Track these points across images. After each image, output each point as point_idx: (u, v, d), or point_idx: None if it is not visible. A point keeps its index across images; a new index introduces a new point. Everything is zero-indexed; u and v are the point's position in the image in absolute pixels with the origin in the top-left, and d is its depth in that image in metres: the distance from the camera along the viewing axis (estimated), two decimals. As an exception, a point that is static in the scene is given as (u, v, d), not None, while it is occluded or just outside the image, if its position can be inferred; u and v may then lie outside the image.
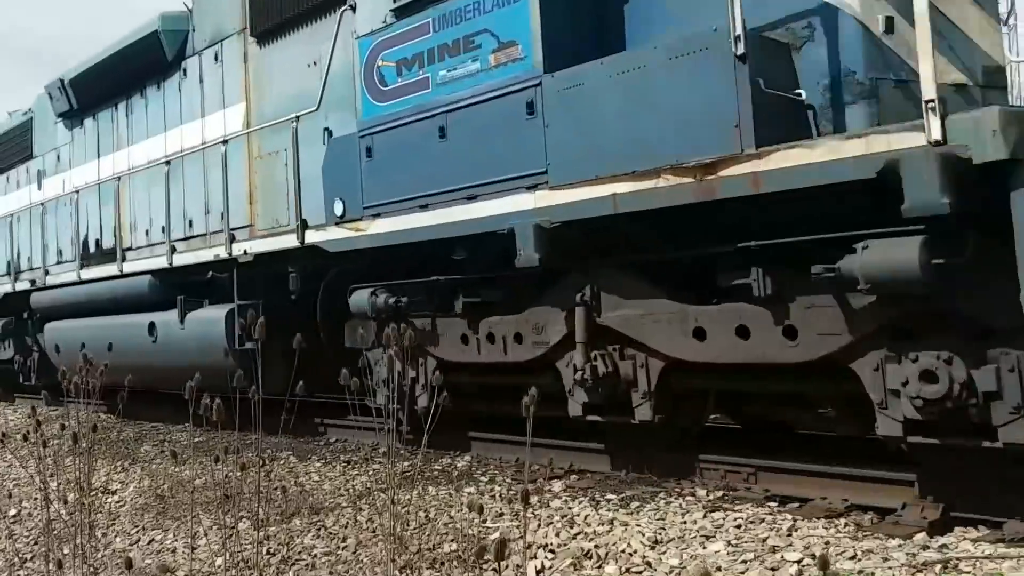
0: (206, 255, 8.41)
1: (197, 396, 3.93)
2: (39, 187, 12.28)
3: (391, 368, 5.48)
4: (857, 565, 3.57)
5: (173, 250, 8.89)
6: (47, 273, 11.46)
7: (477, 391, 6.49)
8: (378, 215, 6.41)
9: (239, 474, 4.35)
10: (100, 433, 8.09)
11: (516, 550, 3.82)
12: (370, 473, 6.19)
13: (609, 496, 4.98)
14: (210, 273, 8.22)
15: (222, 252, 8.15)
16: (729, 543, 3.99)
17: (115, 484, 7.15)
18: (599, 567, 4.02)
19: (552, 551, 4.24)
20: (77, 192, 10.78)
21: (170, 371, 7.99)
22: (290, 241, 7.33)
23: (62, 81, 11.08)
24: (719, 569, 3.73)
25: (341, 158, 6.78)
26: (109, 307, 9.71)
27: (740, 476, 5.06)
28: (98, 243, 10.54)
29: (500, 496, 5.21)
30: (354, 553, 4.73)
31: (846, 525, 4.20)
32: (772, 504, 4.61)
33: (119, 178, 10.02)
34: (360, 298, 6.64)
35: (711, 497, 4.82)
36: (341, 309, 7.05)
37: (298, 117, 7.27)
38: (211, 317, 8.16)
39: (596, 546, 4.18)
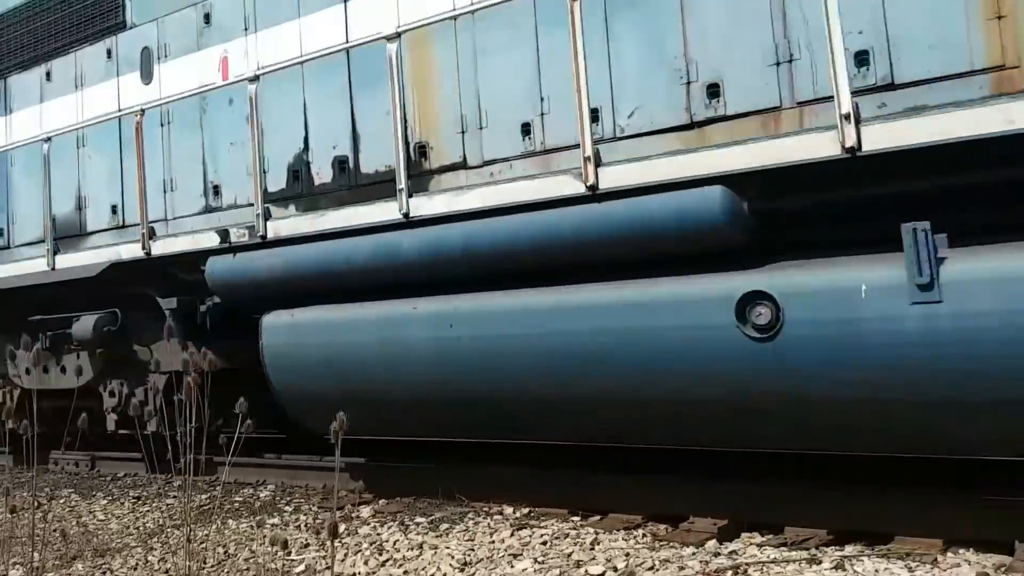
0: None
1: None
2: (147, 78, 7.23)
3: None
4: (656, 575, 3.77)
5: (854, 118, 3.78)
6: (268, 216, 5.96)
7: None
8: None
9: (10, 516, 3.90)
10: None
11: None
12: (163, 509, 5.77)
13: (419, 519, 4.95)
14: None
15: None
16: (536, 560, 4.08)
17: None
18: (409, 594, 3.98)
19: (361, 581, 4.15)
20: (345, 49, 5.71)
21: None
22: None
23: None
24: (526, 587, 3.81)
25: None
26: (500, 272, 4.81)
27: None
28: (342, 164, 5.85)
29: (306, 526, 5.03)
30: (144, 596, 4.38)
31: (644, 536, 4.42)
32: (575, 519, 4.77)
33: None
34: None
35: (517, 515, 4.91)
36: None
37: None
38: None
39: (405, 572, 4.13)
